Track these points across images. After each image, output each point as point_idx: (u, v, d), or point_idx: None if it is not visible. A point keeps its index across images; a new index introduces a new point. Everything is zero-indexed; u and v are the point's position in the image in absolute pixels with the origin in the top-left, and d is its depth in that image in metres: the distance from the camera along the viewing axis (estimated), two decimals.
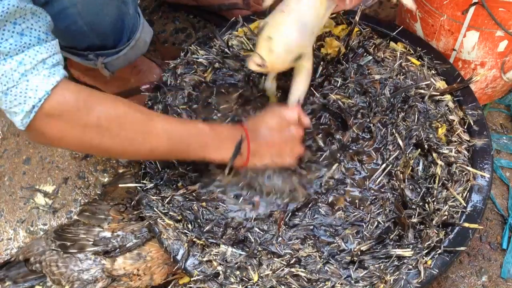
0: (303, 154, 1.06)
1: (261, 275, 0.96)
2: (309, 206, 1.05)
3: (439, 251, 0.95)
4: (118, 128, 0.88)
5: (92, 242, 1.08)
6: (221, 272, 0.96)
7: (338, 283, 0.95)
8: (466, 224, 0.97)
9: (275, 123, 1.02)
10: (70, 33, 1.07)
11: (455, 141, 1.08)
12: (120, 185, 1.15)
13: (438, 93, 1.13)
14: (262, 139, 1.01)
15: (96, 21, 1.08)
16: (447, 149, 1.07)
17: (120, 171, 1.33)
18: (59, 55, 0.86)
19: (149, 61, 1.43)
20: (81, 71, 1.40)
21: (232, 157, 0.97)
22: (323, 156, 1.10)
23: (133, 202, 1.09)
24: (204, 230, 1.01)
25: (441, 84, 1.15)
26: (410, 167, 1.06)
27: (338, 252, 0.99)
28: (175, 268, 1.04)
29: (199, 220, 1.03)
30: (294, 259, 0.97)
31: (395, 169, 1.06)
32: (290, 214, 1.04)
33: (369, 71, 1.18)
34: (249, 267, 0.96)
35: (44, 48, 0.82)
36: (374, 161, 1.09)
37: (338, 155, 1.10)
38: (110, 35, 1.14)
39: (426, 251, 0.95)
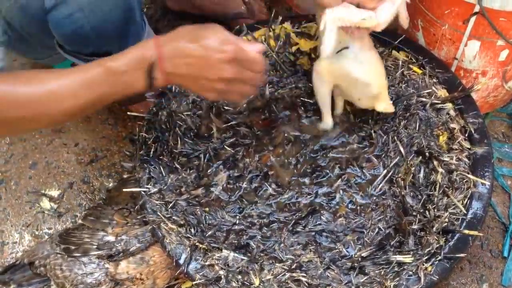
0: (234, 100, 0.98)
1: (263, 279, 0.96)
2: (313, 214, 1.06)
3: (439, 257, 0.95)
4: (25, 110, 0.88)
5: (96, 246, 1.09)
6: (223, 277, 0.97)
7: None
8: (466, 231, 0.98)
9: (213, 44, 0.88)
10: (77, 38, 1.09)
11: (456, 149, 1.09)
12: (124, 190, 1.16)
13: (440, 102, 1.14)
14: (185, 59, 0.89)
15: (103, 26, 1.10)
16: (448, 156, 1.07)
17: (125, 176, 1.34)
18: None
19: None
20: None
21: (149, 88, 0.91)
22: (326, 164, 1.12)
23: (137, 207, 1.10)
24: (207, 234, 1.02)
25: (442, 93, 1.16)
26: (411, 174, 1.07)
27: (339, 258, 1.00)
28: (178, 272, 1.04)
29: (201, 225, 1.04)
30: (295, 264, 0.98)
31: (396, 176, 1.07)
32: (294, 222, 1.05)
33: None
34: (251, 271, 0.97)
35: None
36: (376, 168, 1.10)
37: (341, 162, 1.11)
38: (116, 41, 1.16)
39: (426, 257, 0.96)
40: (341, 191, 1.08)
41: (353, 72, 1.03)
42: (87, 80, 0.89)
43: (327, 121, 1.14)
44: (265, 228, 1.04)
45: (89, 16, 1.07)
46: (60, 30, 1.09)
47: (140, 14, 1.20)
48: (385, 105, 1.07)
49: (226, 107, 1.19)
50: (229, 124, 1.17)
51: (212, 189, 1.09)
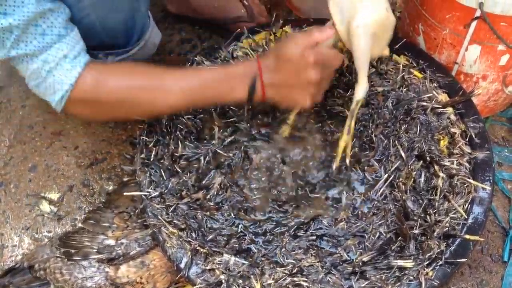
0: (320, 100, 1.05)
1: (264, 284, 0.96)
2: (314, 219, 1.06)
3: (440, 262, 0.96)
4: (136, 99, 0.99)
5: (96, 250, 1.09)
6: (223, 281, 0.97)
7: None
8: (467, 236, 0.98)
9: (296, 54, 0.96)
10: (82, 28, 1.09)
11: (457, 154, 1.09)
12: (124, 193, 1.16)
13: (440, 106, 1.14)
14: (277, 73, 0.98)
15: (109, 16, 1.10)
16: (448, 161, 1.08)
17: (125, 179, 1.34)
18: (79, 44, 0.96)
19: None
20: None
21: (249, 99, 0.99)
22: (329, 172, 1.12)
23: (137, 210, 1.10)
24: (208, 238, 1.02)
25: (443, 97, 1.16)
26: (412, 179, 1.07)
27: (340, 263, 1.00)
28: (178, 276, 1.05)
29: (202, 229, 1.04)
30: (296, 268, 0.98)
31: (397, 180, 1.07)
32: (296, 227, 1.05)
33: (372, 83, 1.19)
34: (252, 276, 0.97)
35: (64, 44, 0.93)
36: (377, 172, 1.10)
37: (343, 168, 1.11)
38: (121, 33, 1.16)
39: (427, 262, 0.96)
40: (344, 194, 1.08)
41: (391, 14, 1.00)
42: (197, 80, 0.99)
43: (366, 85, 1.05)
44: (267, 234, 1.04)
45: (97, 3, 1.07)
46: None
47: (146, 7, 1.20)
48: (387, 51, 1.06)
49: (230, 107, 1.19)
50: (230, 120, 1.17)
51: (210, 192, 1.09)
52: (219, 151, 1.13)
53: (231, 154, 1.13)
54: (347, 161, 1.07)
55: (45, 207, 1.35)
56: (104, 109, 1.01)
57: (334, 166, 1.07)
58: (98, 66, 0.98)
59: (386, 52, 1.05)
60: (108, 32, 1.13)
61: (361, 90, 1.01)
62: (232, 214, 1.06)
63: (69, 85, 0.93)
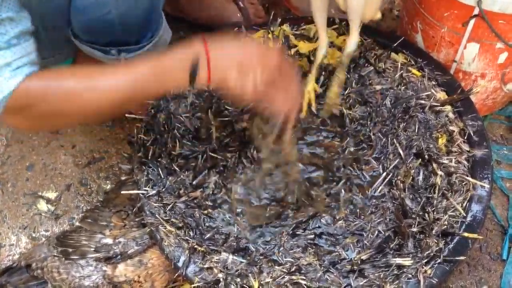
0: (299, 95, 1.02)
1: (262, 282, 0.96)
2: (314, 217, 1.06)
3: (439, 260, 0.95)
4: (68, 104, 0.92)
5: (93, 249, 1.09)
6: (221, 279, 0.96)
7: None
8: (466, 234, 0.98)
9: (256, 46, 0.94)
10: (99, 25, 1.09)
11: (455, 152, 1.09)
12: (122, 192, 1.15)
13: (439, 104, 1.14)
14: (228, 52, 0.92)
15: (129, 13, 1.09)
16: (447, 159, 1.07)
17: (123, 178, 1.34)
18: (29, 56, 0.91)
19: None
20: None
21: (190, 84, 0.92)
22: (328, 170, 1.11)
23: (135, 209, 1.09)
24: (205, 237, 1.02)
25: (441, 95, 1.16)
26: (411, 177, 1.07)
27: (339, 261, 1.00)
28: (176, 275, 1.04)
29: (200, 227, 1.03)
30: (294, 267, 0.98)
31: (396, 178, 1.07)
32: (294, 226, 1.04)
33: (370, 81, 1.19)
34: (250, 274, 0.97)
35: (10, 52, 0.88)
36: (375, 170, 1.09)
37: (341, 165, 1.11)
38: (136, 30, 1.15)
39: (426, 260, 0.96)
40: (342, 192, 1.08)
41: None
42: (133, 75, 0.92)
43: (357, 38, 1.08)
44: (265, 232, 1.04)
45: (119, 2, 1.06)
46: (85, 16, 1.09)
47: (163, 2, 1.20)
48: (379, 14, 1.08)
49: (226, 107, 1.19)
50: (227, 119, 1.17)
51: (207, 191, 1.09)
52: (213, 154, 1.12)
53: (228, 155, 1.13)
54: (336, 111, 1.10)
55: (43, 206, 1.35)
56: (37, 121, 0.96)
57: (302, 114, 1.10)
58: (39, 75, 0.93)
59: (378, 15, 1.06)
60: (125, 29, 1.13)
61: (352, 43, 1.04)
62: (227, 216, 1.05)
63: (7, 93, 0.88)
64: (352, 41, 1.03)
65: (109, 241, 1.09)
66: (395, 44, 1.22)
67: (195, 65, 0.90)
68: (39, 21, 1.14)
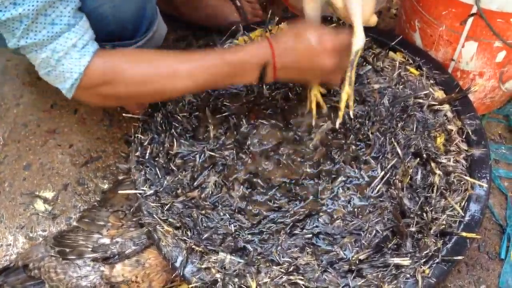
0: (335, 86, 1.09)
1: (260, 282, 0.96)
2: (311, 216, 1.05)
3: (437, 260, 0.95)
4: (144, 87, 1.00)
5: (91, 249, 1.08)
6: (219, 280, 0.96)
7: None
8: (464, 234, 0.97)
9: (313, 38, 0.99)
10: (92, 18, 1.08)
11: (454, 151, 1.09)
12: (119, 192, 1.15)
13: (437, 103, 1.14)
14: (291, 56, 1.00)
15: (122, 6, 1.09)
16: (445, 158, 1.07)
17: (120, 177, 1.33)
18: (88, 33, 0.97)
19: None
20: None
21: (259, 82, 1.02)
22: (327, 167, 1.11)
23: (132, 209, 1.09)
24: (203, 237, 1.01)
25: (439, 94, 1.16)
26: (409, 176, 1.06)
27: (337, 261, 0.99)
28: (174, 275, 1.04)
29: (198, 227, 1.03)
30: (292, 267, 0.97)
31: (394, 177, 1.07)
32: (292, 224, 1.04)
33: (368, 80, 1.18)
34: (248, 274, 0.97)
35: (73, 33, 0.93)
36: (373, 170, 1.09)
37: (340, 164, 1.11)
38: (131, 24, 1.15)
39: (424, 260, 0.95)
40: (340, 191, 1.07)
41: None
42: (206, 65, 1.00)
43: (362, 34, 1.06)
44: (263, 232, 1.04)
45: None
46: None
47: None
48: (375, 18, 1.06)
49: (224, 103, 1.18)
50: (224, 114, 1.17)
51: (205, 191, 1.08)
52: (212, 153, 1.12)
53: (226, 153, 1.12)
54: (351, 113, 1.07)
55: (40, 206, 1.35)
56: (112, 98, 1.03)
57: (338, 122, 1.07)
58: (107, 54, 0.99)
59: (374, 19, 1.05)
60: (119, 23, 1.13)
61: (358, 40, 1.02)
62: (227, 215, 1.05)
63: (78, 74, 0.94)
64: (358, 38, 1.01)
65: (106, 241, 1.08)
66: (393, 43, 1.22)
67: (266, 63, 0.99)
68: None
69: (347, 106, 1.05)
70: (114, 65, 0.98)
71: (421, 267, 0.95)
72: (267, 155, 1.13)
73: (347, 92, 1.04)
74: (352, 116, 1.09)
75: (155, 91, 1.00)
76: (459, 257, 0.95)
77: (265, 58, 0.99)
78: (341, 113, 1.06)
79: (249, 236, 1.02)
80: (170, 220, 1.03)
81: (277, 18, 1.27)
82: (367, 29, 1.23)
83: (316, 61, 0.99)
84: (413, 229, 0.99)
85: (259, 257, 0.99)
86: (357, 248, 1.00)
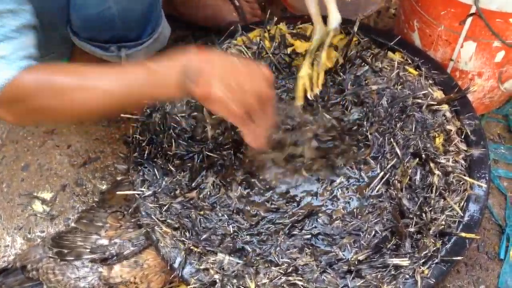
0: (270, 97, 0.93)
1: (258, 283, 0.95)
2: (310, 216, 1.05)
3: (436, 260, 0.95)
4: (60, 104, 0.90)
5: (89, 250, 1.08)
6: (218, 281, 0.96)
7: None
8: (463, 234, 0.97)
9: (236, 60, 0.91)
10: (99, 21, 1.07)
11: (453, 151, 1.09)
12: (118, 193, 1.15)
13: (436, 103, 1.14)
14: (217, 68, 0.88)
15: (129, 8, 1.08)
16: (444, 158, 1.07)
17: (118, 178, 1.33)
18: (28, 50, 0.90)
19: None
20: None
21: (182, 93, 0.89)
22: (324, 166, 1.11)
23: (130, 210, 1.08)
24: (202, 238, 1.01)
25: (438, 94, 1.16)
26: (408, 177, 1.06)
27: (336, 261, 0.99)
28: (172, 276, 1.04)
29: (196, 228, 1.03)
30: (291, 268, 0.97)
31: (393, 178, 1.06)
32: (290, 225, 1.04)
33: (366, 81, 1.18)
34: (246, 275, 0.96)
35: (7, 44, 0.87)
36: (372, 170, 1.09)
37: (339, 164, 1.10)
38: (136, 26, 1.14)
39: (423, 260, 0.95)
40: (339, 192, 1.07)
41: None
42: (126, 79, 0.90)
43: (337, 14, 1.06)
44: (262, 233, 1.03)
45: None
46: (84, 11, 1.08)
47: (161, 1, 1.19)
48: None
49: None
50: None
51: (203, 192, 1.08)
52: (210, 154, 1.11)
53: (224, 153, 1.12)
54: (316, 91, 1.06)
55: (38, 206, 1.34)
56: (24, 116, 0.93)
57: (310, 95, 1.06)
58: (35, 74, 0.90)
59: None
60: (125, 24, 1.12)
61: (333, 20, 1.02)
62: (225, 216, 1.05)
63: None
64: (332, 17, 1.00)
65: (104, 242, 1.08)
66: (392, 43, 1.22)
67: (186, 74, 0.87)
68: (36, 18, 1.13)
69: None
70: (34, 78, 0.89)
71: (420, 268, 0.94)
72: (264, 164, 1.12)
73: (303, 77, 1.05)
74: (314, 96, 1.07)
75: (69, 105, 0.90)
76: (458, 258, 0.95)
77: (187, 62, 0.87)
78: (299, 94, 1.06)
79: (248, 237, 1.02)
80: (169, 221, 1.03)
81: (276, 18, 1.27)
82: (365, 30, 1.24)
83: (250, 83, 0.88)
84: (412, 229, 0.99)
85: (258, 258, 0.99)
86: (356, 249, 1.00)
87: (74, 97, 0.89)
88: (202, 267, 0.98)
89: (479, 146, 1.08)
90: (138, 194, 1.07)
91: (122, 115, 1.25)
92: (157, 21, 1.21)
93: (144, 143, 1.13)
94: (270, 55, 1.22)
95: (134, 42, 1.19)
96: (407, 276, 0.94)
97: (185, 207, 1.05)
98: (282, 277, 0.95)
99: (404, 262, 0.95)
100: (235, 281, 0.96)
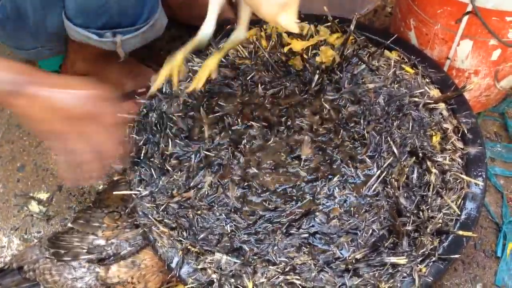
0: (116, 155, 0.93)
1: (256, 283, 0.95)
2: (307, 215, 1.05)
3: (434, 258, 0.95)
4: None
5: (86, 250, 1.08)
6: (215, 280, 0.96)
7: None
8: (460, 232, 0.97)
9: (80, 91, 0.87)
10: (94, 4, 1.05)
11: (449, 149, 1.09)
12: (114, 193, 1.14)
13: (432, 101, 1.14)
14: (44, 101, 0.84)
15: None
16: (441, 157, 1.07)
17: (115, 178, 1.33)
18: None
19: (145, 67, 1.43)
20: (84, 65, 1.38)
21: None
22: (321, 165, 1.11)
23: (127, 210, 1.08)
24: (199, 237, 1.01)
25: (435, 93, 1.16)
26: (405, 175, 1.06)
27: (333, 260, 0.99)
28: (170, 276, 1.03)
29: (194, 228, 1.02)
30: (289, 267, 0.97)
31: (390, 176, 1.06)
32: (288, 224, 1.03)
33: (363, 80, 1.18)
34: (244, 275, 0.96)
35: None
36: (369, 169, 1.09)
37: (335, 163, 1.10)
38: (132, 10, 1.12)
39: (421, 259, 0.95)
40: (336, 190, 1.07)
41: None
42: None
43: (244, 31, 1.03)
44: (259, 232, 1.03)
45: None
46: None
47: None
48: (289, 20, 0.88)
49: (219, 103, 1.18)
50: (217, 114, 1.16)
51: (201, 191, 1.08)
52: (207, 153, 1.11)
53: (222, 153, 1.12)
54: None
55: (34, 207, 1.34)
56: None
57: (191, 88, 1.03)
58: None
59: (282, 20, 0.89)
60: (121, 9, 1.10)
61: (239, 33, 1.00)
62: (223, 215, 1.05)
63: None
64: (240, 30, 0.98)
65: (101, 242, 1.08)
66: (388, 42, 1.22)
67: (15, 89, 0.82)
68: (30, 3, 1.11)
69: None
70: None
71: (417, 266, 0.95)
72: (259, 163, 1.12)
73: (199, 76, 1.03)
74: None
75: None
76: (456, 256, 0.96)
77: (15, 85, 0.82)
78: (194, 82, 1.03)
79: (245, 236, 1.02)
80: (166, 220, 1.03)
81: None
82: (362, 29, 1.24)
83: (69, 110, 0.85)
84: (409, 228, 0.99)
85: (255, 257, 0.99)
86: (354, 247, 1.00)
87: None
88: (199, 266, 0.98)
89: (475, 144, 1.08)
90: (135, 194, 1.06)
91: (118, 114, 1.24)
92: (153, 7, 1.18)
93: (141, 142, 1.13)
94: (266, 54, 1.22)
95: (129, 28, 1.16)
96: (405, 274, 0.94)
97: (182, 207, 1.05)
98: (280, 276, 0.95)
99: (402, 260, 0.95)
100: (232, 280, 0.96)
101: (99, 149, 0.90)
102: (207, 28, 1.07)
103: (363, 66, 1.20)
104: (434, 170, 1.05)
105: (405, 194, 1.05)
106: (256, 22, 1.29)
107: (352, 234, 1.02)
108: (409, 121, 1.12)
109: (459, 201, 1.02)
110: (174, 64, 1.06)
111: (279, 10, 0.88)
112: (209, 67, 1.04)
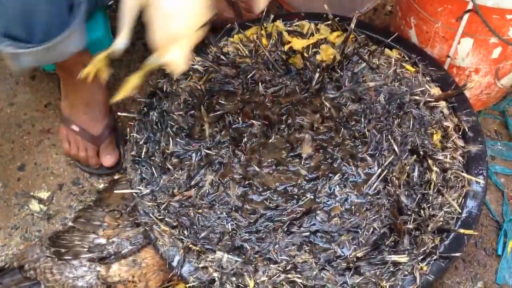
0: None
1: (257, 281, 0.95)
2: (308, 214, 1.05)
3: (435, 257, 0.95)
4: None
5: (87, 249, 1.08)
6: (217, 279, 0.96)
7: None
8: (461, 230, 0.97)
9: None
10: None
11: (450, 147, 1.09)
12: (115, 191, 1.14)
13: (433, 100, 1.13)
14: None
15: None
16: (442, 155, 1.07)
17: (116, 177, 1.33)
18: None
19: None
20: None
21: None
22: (322, 164, 1.10)
23: (128, 209, 1.08)
24: (200, 236, 1.01)
25: (435, 91, 1.16)
26: (406, 173, 1.06)
27: (334, 259, 0.99)
28: (171, 274, 1.03)
29: (195, 227, 1.02)
30: (290, 265, 0.97)
31: (391, 175, 1.06)
32: (289, 222, 1.03)
33: (363, 78, 1.18)
34: (245, 273, 0.96)
35: None
36: (370, 167, 1.09)
37: (336, 161, 1.10)
38: (17, 25, 0.98)
39: (422, 257, 0.95)
40: (337, 189, 1.07)
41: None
42: None
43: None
44: (260, 231, 1.03)
45: None
46: None
47: (66, 8, 1.02)
48: (177, 56, 0.79)
49: (219, 102, 1.18)
50: (218, 113, 1.16)
51: (202, 190, 1.08)
52: (208, 151, 1.11)
53: (222, 151, 1.12)
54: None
55: (35, 206, 1.34)
56: None
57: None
58: None
59: (169, 56, 0.81)
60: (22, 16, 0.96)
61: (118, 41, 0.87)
62: (224, 214, 1.04)
63: None
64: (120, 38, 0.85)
65: (102, 241, 1.08)
66: (389, 40, 1.22)
67: None
68: None
69: None
70: None
71: (418, 264, 0.95)
72: (260, 161, 1.12)
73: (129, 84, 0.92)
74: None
75: None
76: (457, 254, 0.95)
77: None
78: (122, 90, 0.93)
79: (246, 234, 1.02)
80: (167, 219, 1.03)
81: (273, 16, 1.26)
82: (362, 27, 1.24)
83: None
84: (410, 226, 0.99)
85: (256, 256, 0.99)
86: (355, 246, 1.00)
87: None
88: (201, 265, 0.98)
89: (476, 142, 1.08)
90: (136, 193, 1.06)
91: (118, 113, 1.25)
92: (51, 30, 1.00)
93: (141, 141, 1.13)
94: (267, 53, 1.22)
95: (24, 44, 1.00)
96: (406, 272, 0.94)
97: (183, 206, 1.05)
98: (281, 274, 0.95)
99: (403, 258, 0.95)
100: (234, 279, 0.96)
101: None
102: (123, 42, 0.91)
103: (364, 64, 1.20)
104: (435, 168, 1.05)
105: (406, 193, 1.05)
106: (256, 20, 1.29)
107: (353, 232, 1.02)
108: (409, 119, 1.12)
109: (460, 199, 1.02)
110: (101, 59, 0.93)
111: (169, 43, 0.79)
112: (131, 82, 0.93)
